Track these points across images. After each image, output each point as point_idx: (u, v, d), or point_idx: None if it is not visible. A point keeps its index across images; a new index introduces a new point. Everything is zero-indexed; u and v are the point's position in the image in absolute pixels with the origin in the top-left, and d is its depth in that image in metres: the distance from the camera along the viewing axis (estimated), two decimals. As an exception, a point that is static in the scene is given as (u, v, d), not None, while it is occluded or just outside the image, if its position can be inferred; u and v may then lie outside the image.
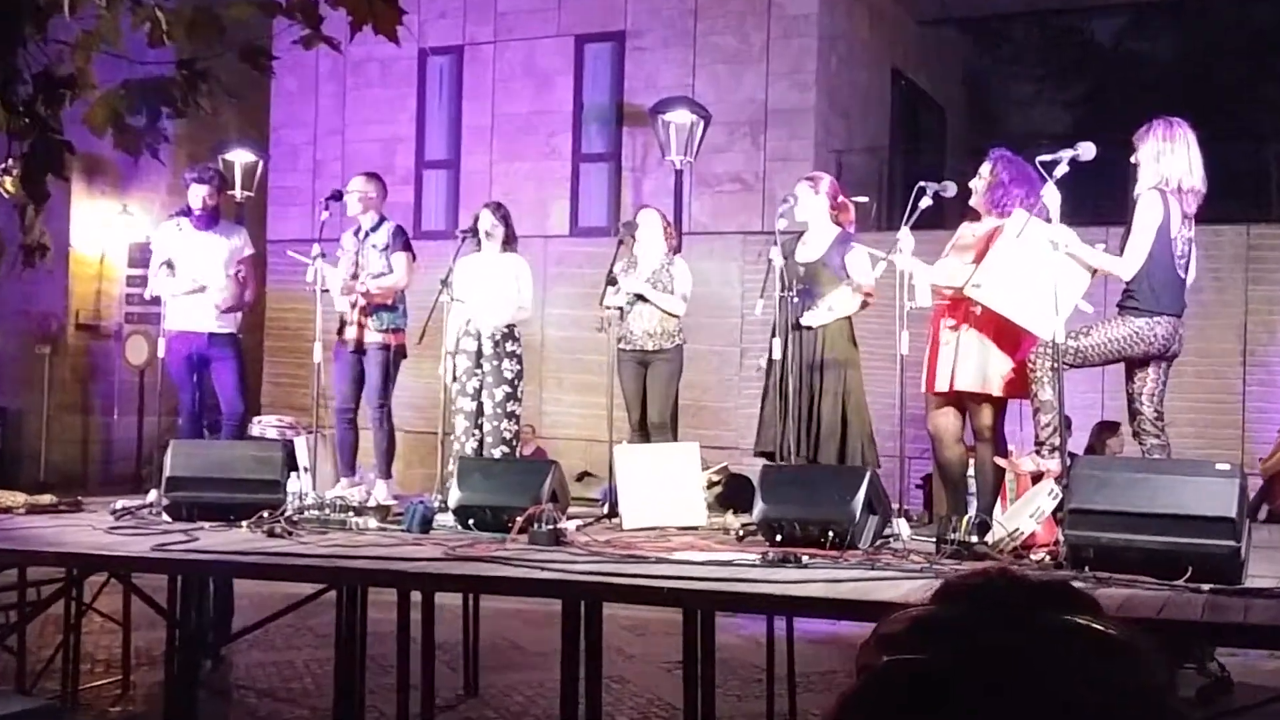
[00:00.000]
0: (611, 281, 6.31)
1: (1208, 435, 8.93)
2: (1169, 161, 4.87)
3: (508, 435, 6.54)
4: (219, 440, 6.65)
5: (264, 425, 7.87)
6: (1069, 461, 4.74)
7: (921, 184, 5.29)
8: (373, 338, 6.58)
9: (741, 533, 5.01)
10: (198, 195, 6.66)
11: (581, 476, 9.87)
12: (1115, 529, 3.90)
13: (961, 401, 5.33)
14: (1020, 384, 5.15)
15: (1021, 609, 0.81)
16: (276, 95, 12.47)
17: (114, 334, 12.64)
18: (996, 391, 5.21)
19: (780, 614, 5.43)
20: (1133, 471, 4.07)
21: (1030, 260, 4.94)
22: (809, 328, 5.74)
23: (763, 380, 6.00)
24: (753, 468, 5.72)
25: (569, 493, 5.77)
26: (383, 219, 6.73)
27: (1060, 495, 4.33)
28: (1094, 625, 0.81)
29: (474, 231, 6.62)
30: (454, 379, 6.53)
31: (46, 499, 5.80)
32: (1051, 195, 4.74)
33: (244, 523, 5.03)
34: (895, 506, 5.01)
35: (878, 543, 4.62)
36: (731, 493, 6.70)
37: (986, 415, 5.25)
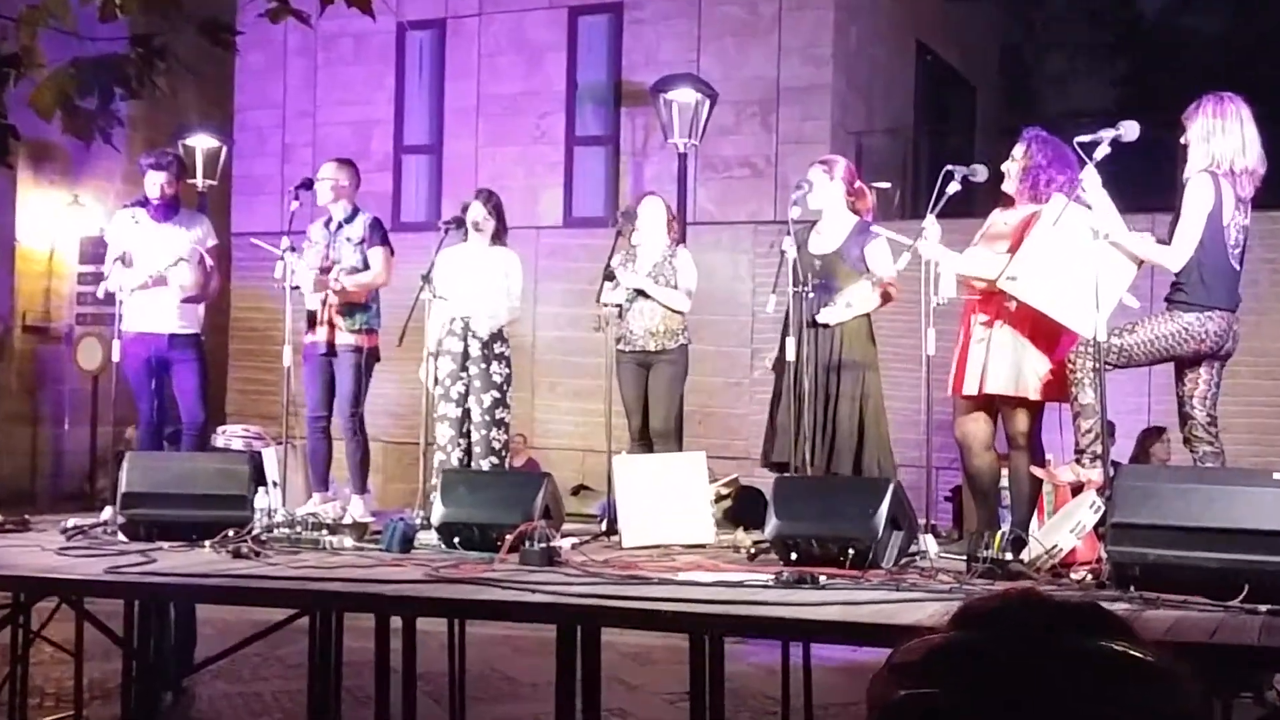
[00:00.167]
0: (609, 276, 6.30)
1: (1265, 441, 8.92)
2: (1220, 141, 4.87)
3: (496, 445, 6.55)
4: (180, 452, 6.64)
5: (229, 435, 7.88)
6: (1112, 471, 4.74)
7: (949, 168, 5.29)
8: (344, 339, 6.58)
9: (753, 551, 5.00)
10: (155, 183, 6.66)
11: (577, 490, 9.87)
12: (1163, 545, 3.90)
13: (993, 406, 5.33)
14: (1058, 386, 5.15)
15: (1046, 634, 0.81)
16: (241, 74, 12.49)
17: (64, 336, 12.65)
18: (1032, 395, 5.21)
19: (796, 640, 5.42)
20: (1182, 482, 4.07)
21: (1069, 250, 4.93)
22: (826, 326, 5.74)
23: (772, 383, 6.00)
24: (765, 480, 5.72)
25: (563, 508, 5.76)
26: (356, 209, 6.73)
27: (1103, 508, 4.33)
28: (1126, 650, 0.81)
29: (459, 222, 6.63)
30: (436, 383, 6.54)
31: (-10, 517, 5.81)
32: (1091, 179, 4.74)
33: (207, 542, 5.03)
34: (921, 521, 5.00)
35: (902, 561, 4.61)
36: (742, 507, 6.71)
37: (1021, 420, 5.25)
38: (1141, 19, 15.74)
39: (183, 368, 6.67)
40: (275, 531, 5.25)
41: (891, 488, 4.64)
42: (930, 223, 5.18)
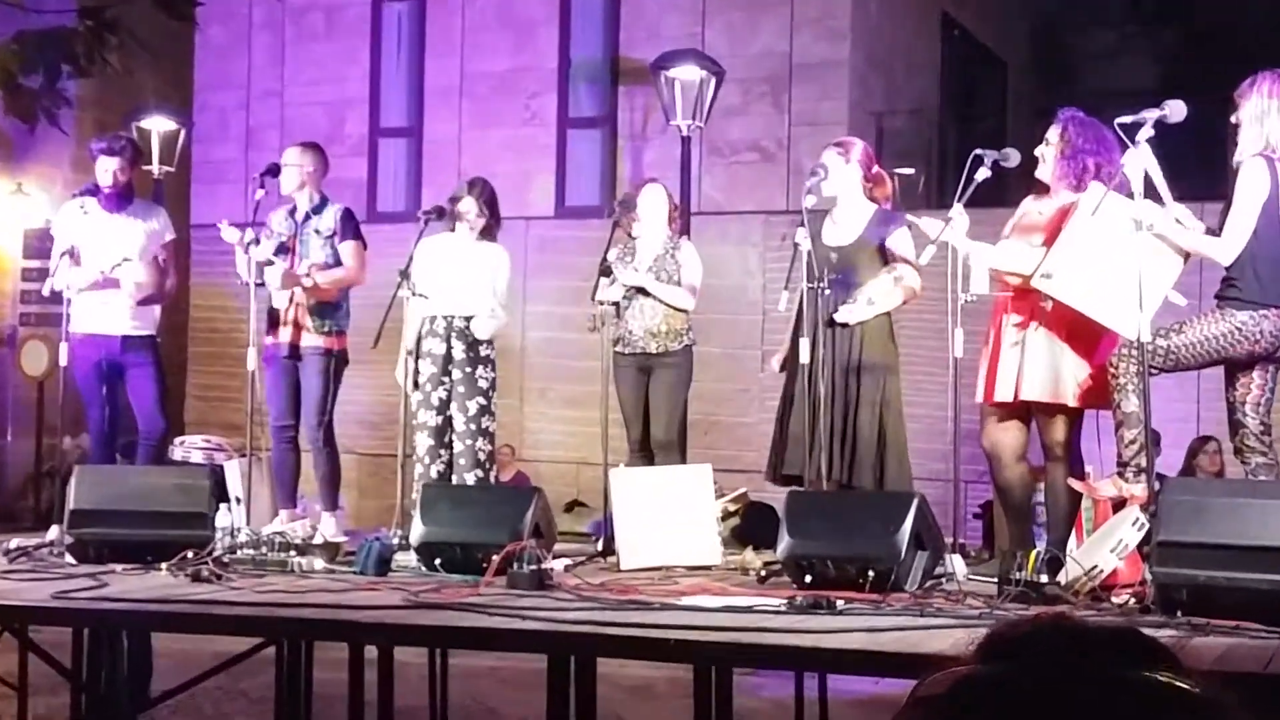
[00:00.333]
0: (605, 271, 6.31)
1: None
2: (1276, 122, 4.88)
3: (481, 457, 6.54)
4: (134, 465, 6.65)
5: (188, 447, 7.88)
6: (1158, 485, 4.74)
7: (978, 152, 5.30)
8: (311, 341, 6.56)
9: (764, 573, 5.00)
10: (107, 169, 6.66)
11: (571, 506, 9.88)
12: (1213, 565, 3.90)
13: (1027, 414, 5.33)
14: (1098, 393, 5.15)
15: (1080, 663, 0.81)
16: (201, 50, 12.49)
17: (7, 339, 12.64)
18: (1071, 401, 5.22)
19: (811, 671, 5.42)
20: (1234, 496, 4.08)
21: (1109, 244, 4.94)
22: (845, 325, 5.74)
23: (781, 387, 6.01)
24: (776, 496, 5.73)
25: (555, 526, 5.76)
26: (325, 199, 6.72)
27: (1147, 525, 4.33)
28: (1170, 681, 0.81)
29: (440, 212, 6.62)
30: (416, 386, 6.53)
31: (-74, 537, 5.81)
32: (1134, 164, 4.75)
33: (164, 565, 5.02)
34: (948, 540, 5.01)
35: (928, 584, 4.62)
36: (751, 525, 6.71)
37: (1059, 429, 5.26)
38: (1191, -14, 15.74)
39: (137, 373, 6.67)
40: (239, 552, 5.25)
41: (915, 503, 4.64)
42: (958, 212, 5.18)
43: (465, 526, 5.23)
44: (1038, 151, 5.37)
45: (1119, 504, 4.90)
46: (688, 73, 10.07)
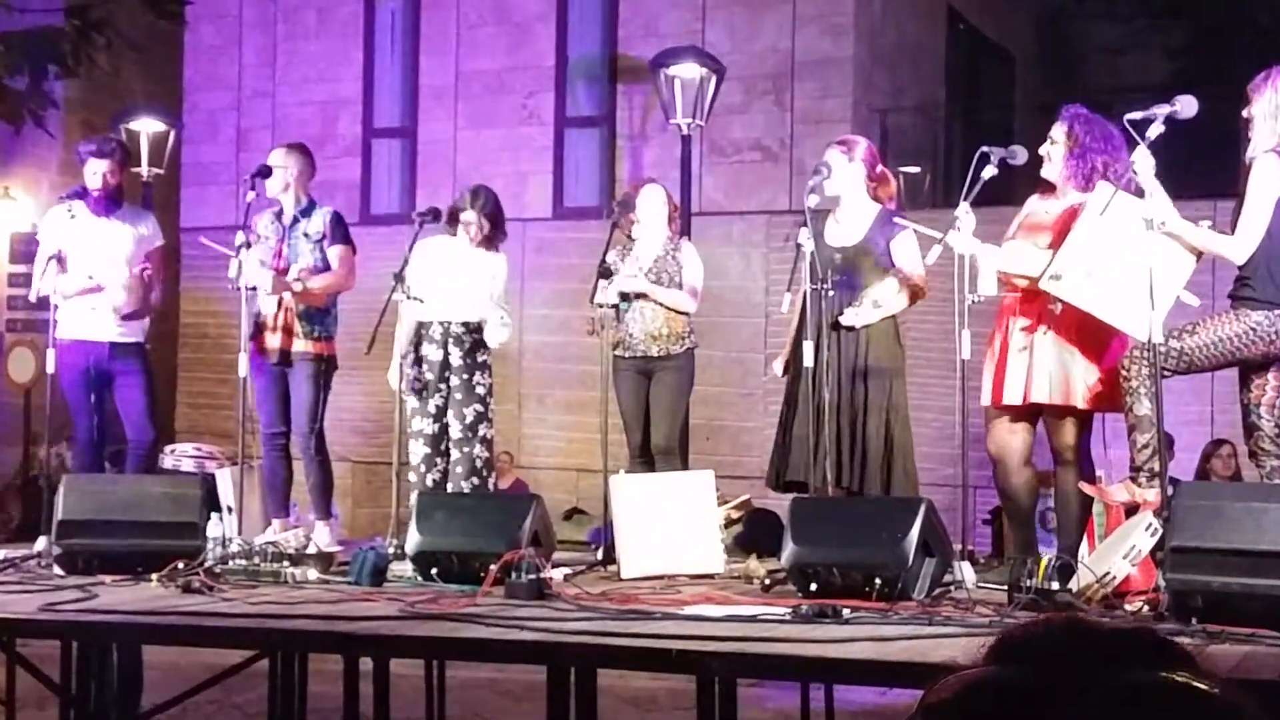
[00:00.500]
0: (604, 273, 6.30)
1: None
2: (1290, 118, 4.87)
3: (479, 464, 6.54)
4: (123, 474, 6.64)
5: (178, 455, 7.88)
6: (1171, 489, 4.74)
7: (984, 149, 5.30)
8: (301, 347, 6.55)
9: (768, 581, 5.00)
10: (96, 172, 6.65)
11: (570, 514, 9.88)
12: (1229, 571, 3.90)
13: (1035, 417, 5.33)
14: (1108, 397, 5.16)
15: (1095, 665, 0.80)
16: (190, 50, 12.50)
17: (-7, 345, 12.64)
18: (1081, 404, 5.22)
19: (817, 681, 5.42)
20: (1249, 500, 4.07)
21: (1119, 243, 4.94)
22: (850, 328, 5.74)
23: (783, 391, 6.01)
24: (780, 502, 5.72)
25: (554, 535, 5.76)
26: (313, 202, 6.71)
27: (1160, 531, 4.33)
28: (1188, 682, 0.80)
29: (435, 214, 6.62)
30: (416, 394, 6.53)
31: (-90, 549, 5.81)
32: (1144, 162, 4.75)
33: (154, 576, 5.02)
34: (956, 547, 5.00)
35: (936, 592, 4.61)
36: (755, 532, 6.70)
37: (1069, 432, 5.26)
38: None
39: (126, 380, 6.67)
40: (230, 563, 5.25)
41: (923, 509, 4.64)
42: (964, 211, 5.18)
43: (462, 535, 5.23)
44: (1043, 150, 5.37)
45: (1131, 509, 4.90)
46: (688, 70, 10.07)
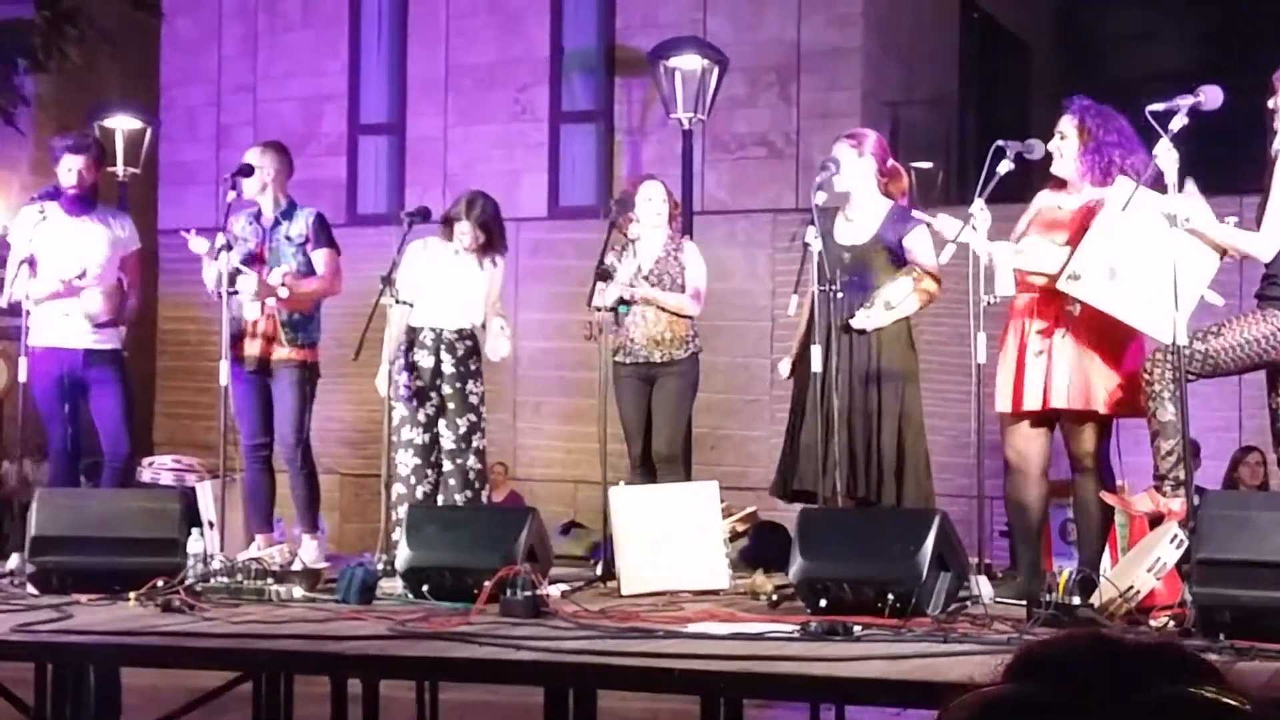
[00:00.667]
0: (602, 275, 6.30)
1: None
2: (1317, 109, 4.88)
3: (472, 476, 6.54)
4: (99, 488, 6.64)
5: (156, 468, 7.88)
6: (1197, 499, 4.74)
7: (1000, 143, 5.30)
8: (283, 354, 6.54)
9: (775, 597, 5.00)
10: (71, 168, 6.64)
11: (568, 528, 9.88)
12: (1258, 585, 3.90)
13: (1053, 423, 5.33)
14: (1128, 400, 5.16)
15: (1122, 681, 0.80)
16: (168, 43, 12.51)
17: (-39, 354, 12.64)
18: (1102, 408, 5.22)
19: (827, 702, 5.42)
20: (1278, 510, 4.06)
21: (1142, 241, 4.95)
22: (862, 331, 5.74)
23: (790, 396, 6.01)
24: (788, 514, 5.73)
25: (551, 549, 5.76)
26: (293, 203, 6.70)
27: (1186, 542, 4.33)
28: (1217, 697, 0.81)
29: (425, 214, 6.62)
30: (403, 399, 6.52)
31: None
32: (1167, 156, 4.75)
33: (132, 594, 5.03)
34: (973, 560, 5.01)
35: (951, 607, 4.62)
36: (761, 546, 6.70)
37: (1089, 438, 5.26)
38: (1227, -36, 15.73)
39: (101, 389, 6.67)
40: (212, 581, 5.25)
41: (937, 521, 4.65)
42: (979, 209, 5.18)
43: (455, 550, 5.23)
44: (1051, 146, 5.35)
45: (1156, 520, 4.90)
46: (689, 62, 10.08)
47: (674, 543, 5.50)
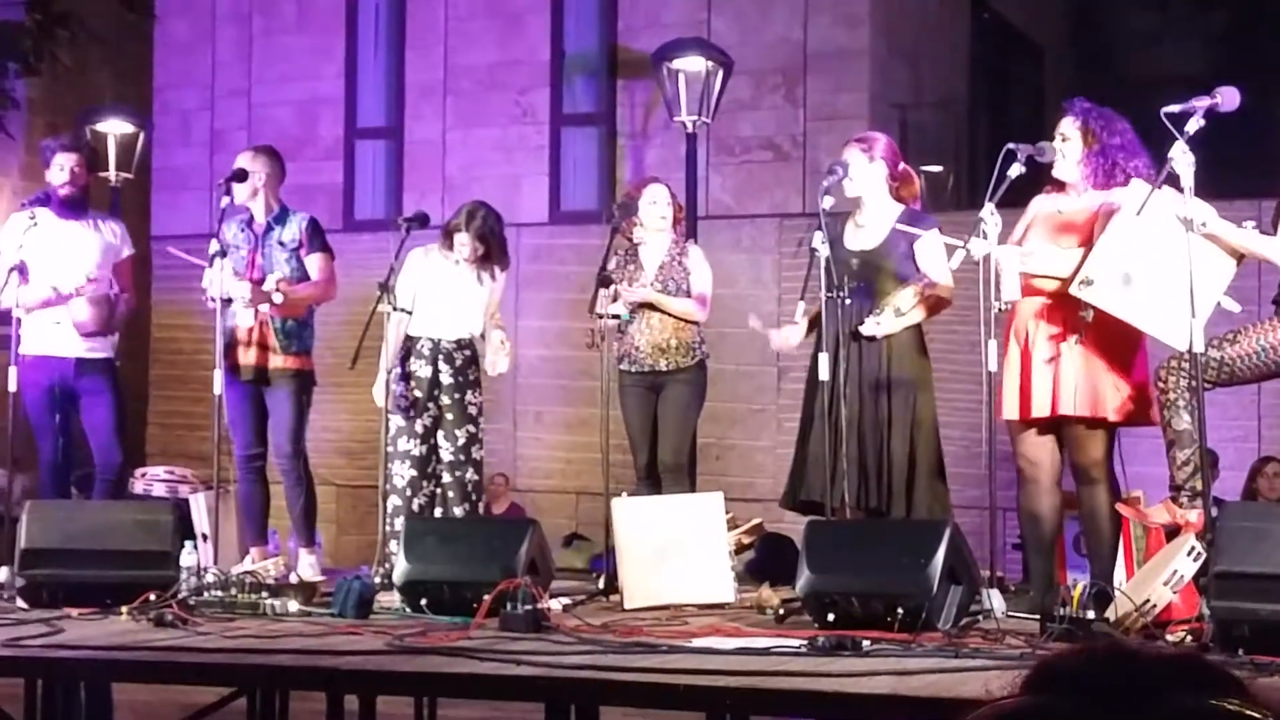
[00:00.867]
0: (604, 282, 6.30)
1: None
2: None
3: (470, 489, 6.54)
4: (90, 500, 6.64)
5: (149, 479, 7.88)
6: (1215, 510, 4.74)
7: (1011, 146, 5.30)
8: (278, 362, 6.54)
9: (782, 611, 5.00)
10: (63, 166, 6.64)
11: (569, 540, 9.87)
12: (1278, 598, 3.89)
13: (1060, 430, 5.31)
14: (1136, 410, 5.16)
15: (1142, 693, 0.80)
16: (161, 46, 12.53)
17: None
18: (1112, 415, 5.21)
19: (835, 718, 5.41)
20: (1298, 521, 4.06)
21: (1157, 246, 4.94)
22: (871, 339, 5.73)
23: (795, 406, 6.00)
24: (795, 526, 5.72)
25: (552, 562, 5.75)
26: (285, 208, 6.71)
27: (1204, 555, 4.32)
28: (1240, 710, 0.80)
29: (423, 220, 6.62)
30: (403, 411, 6.52)
31: None
32: (1182, 159, 4.75)
33: (124, 608, 5.03)
34: (984, 573, 5.00)
35: (962, 622, 4.61)
36: (768, 558, 6.70)
37: (1099, 446, 5.24)
38: (1245, -38, 15.73)
39: (93, 399, 6.67)
40: (206, 594, 5.25)
41: (948, 533, 4.64)
42: (989, 213, 5.18)
43: (454, 563, 5.23)
44: (1054, 146, 5.35)
45: (1172, 532, 4.89)
46: (693, 64, 10.08)
47: (678, 555, 5.49)
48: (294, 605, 5.21)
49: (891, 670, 3.83)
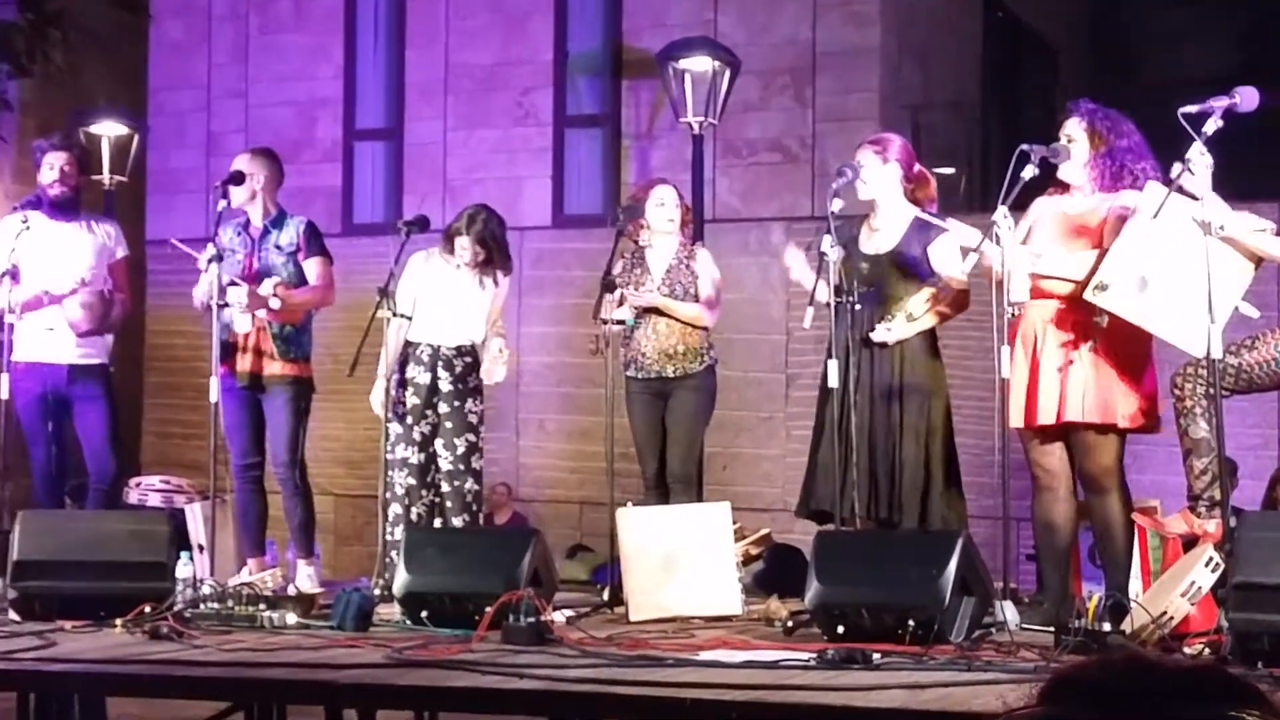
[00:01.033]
0: (609, 287, 6.30)
1: None
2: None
3: (470, 498, 6.54)
4: (84, 510, 6.65)
5: (144, 489, 7.89)
6: (1234, 520, 4.73)
7: (1024, 147, 5.30)
8: (275, 369, 6.53)
9: (790, 623, 5.00)
10: (54, 165, 6.66)
11: (573, 551, 9.87)
12: (1297, 610, 3.89)
13: (1068, 438, 5.30)
14: (1148, 417, 5.16)
15: (1160, 704, 0.80)
16: (156, 46, 12.55)
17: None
18: (1123, 423, 5.20)
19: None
20: (1319, 531, 4.06)
21: (1173, 250, 4.94)
22: (883, 345, 5.73)
23: (803, 413, 6.00)
24: (804, 537, 5.72)
25: (556, 573, 5.76)
26: (282, 211, 6.71)
27: (1222, 566, 4.32)
28: None
29: (423, 224, 6.64)
30: (398, 418, 6.52)
31: None
32: (1200, 161, 4.75)
33: (118, 621, 5.03)
34: (997, 585, 5.00)
35: (975, 634, 4.61)
36: (776, 570, 6.69)
37: (1109, 454, 5.23)
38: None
39: (86, 406, 6.68)
40: (202, 606, 5.26)
41: (960, 543, 4.64)
42: (1002, 216, 5.18)
43: (455, 574, 5.23)
44: (1060, 147, 5.35)
45: (1190, 542, 4.89)
46: (699, 64, 10.09)
47: (684, 567, 5.50)
48: (292, 617, 5.21)
49: (903, 684, 3.83)
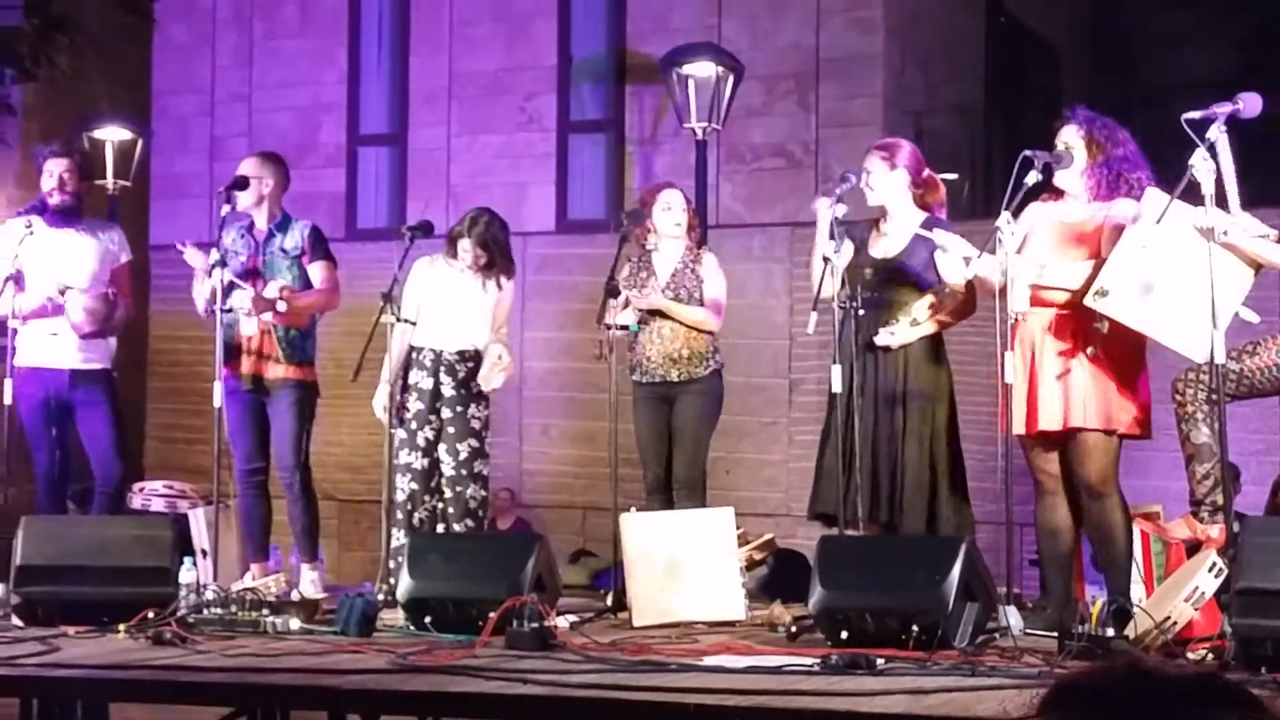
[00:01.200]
0: (613, 292, 6.30)
1: None
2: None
3: (474, 504, 6.54)
4: (87, 515, 6.65)
5: (148, 494, 7.89)
6: (1237, 525, 4.73)
7: (1028, 153, 5.31)
8: (279, 373, 6.54)
9: (794, 629, 5.00)
10: (52, 172, 6.67)
11: (577, 556, 9.87)
12: (1301, 615, 3.89)
13: (1066, 443, 5.30)
14: (1143, 424, 5.17)
15: (1161, 711, 0.81)
16: (160, 51, 12.56)
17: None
18: (1123, 428, 5.21)
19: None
20: (1323, 537, 4.06)
21: (1174, 256, 4.94)
22: (887, 349, 5.73)
23: (804, 418, 6.00)
24: (807, 542, 5.72)
25: (560, 578, 5.76)
26: (287, 216, 6.72)
27: (1225, 571, 4.32)
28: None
29: (427, 229, 6.64)
30: (400, 423, 6.53)
31: None
32: (1203, 166, 4.75)
33: (122, 626, 5.04)
34: (1001, 590, 5.00)
35: (979, 639, 4.61)
36: (779, 575, 6.70)
37: (1108, 459, 5.24)
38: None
39: (89, 411, 6.68)
40: (205, 612, 5.27)
41: (964, 549, 4.65)
42: (1005, 221, 5.18)
43: (459, 580, 5.23)
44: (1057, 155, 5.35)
45: (1193, 547, 4.89)
46: (703, 69, 10.10)
47: (688, 572, 5.50)
48: (295, 623, 5.22)
49: (906, 689, 3.84)
